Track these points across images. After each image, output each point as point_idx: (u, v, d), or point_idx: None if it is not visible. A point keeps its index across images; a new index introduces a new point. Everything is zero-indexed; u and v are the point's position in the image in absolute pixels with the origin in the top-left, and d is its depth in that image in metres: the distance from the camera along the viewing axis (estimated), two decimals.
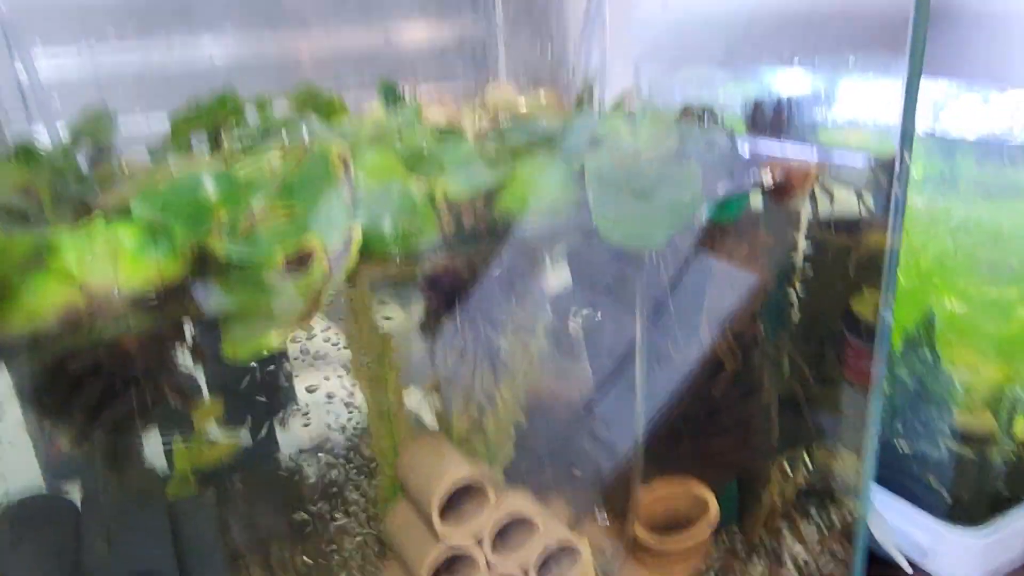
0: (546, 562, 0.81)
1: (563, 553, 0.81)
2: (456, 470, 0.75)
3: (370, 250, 0.56)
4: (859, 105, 0.94)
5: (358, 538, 0.86)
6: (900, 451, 1.15)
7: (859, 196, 0.96)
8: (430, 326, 0.80)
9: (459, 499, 0.77)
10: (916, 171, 1.10)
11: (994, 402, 1.11)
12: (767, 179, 0.77)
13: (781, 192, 0.78)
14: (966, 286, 1.09)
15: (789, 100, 0.97)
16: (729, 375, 0.89)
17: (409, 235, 0.60)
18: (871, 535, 1.02)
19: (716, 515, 0.95)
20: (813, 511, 1.03)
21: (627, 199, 0.65)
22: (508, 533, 0.80)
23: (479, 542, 0.76)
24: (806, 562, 0.99)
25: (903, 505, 1.13)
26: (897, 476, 1.16)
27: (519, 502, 0.78)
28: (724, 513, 1.03)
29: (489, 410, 0.94)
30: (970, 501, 1.09)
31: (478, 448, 0.92)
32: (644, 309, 0.87)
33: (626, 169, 0.66)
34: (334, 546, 0.87)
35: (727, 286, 0.87)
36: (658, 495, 0.98)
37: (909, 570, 1.10)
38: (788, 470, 1.03)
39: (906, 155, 0.81)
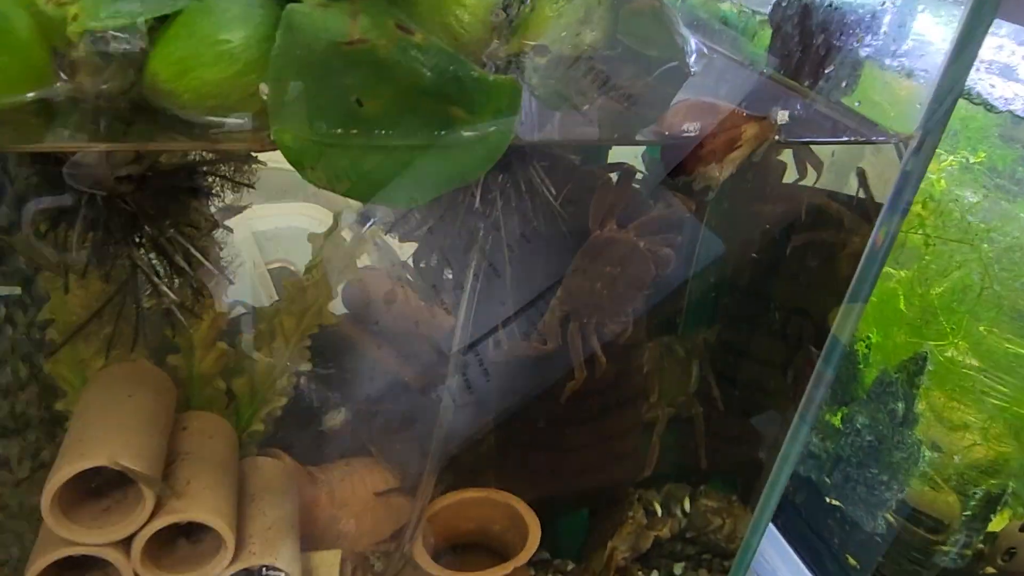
0: None
1: None
2: (90, 452, 0.50)
3: None
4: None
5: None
6: (826, 512, 0.88)
7: (861, 178, 0.63)
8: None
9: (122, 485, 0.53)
10: (962, 156, 0.76)
11: (966, 484, 0.82)
12: (687, 128, 0.45)
13: (698, 154, 0.47)
14: (984, 334, 0.77)
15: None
16: (578, 379, 0.61)
17: None
18: None
19: (533, 547, 0.70)
20: (678, 568, 0.78)
21: (355, 117, 0.35)
22: (203, 542, 0.57)
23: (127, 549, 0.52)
24: None
25: None
26: (812, 541, 0.89)
27: (201, 506, 0.54)
28: (563, 545, 0.78)
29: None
30: None
31: (222, 400, 0.67)
32: (477, 275, 0.58)
33: (380, 57, 0.35)
34: None
35: (599, 263, 0.57)
36: (469, 510, 0.73)
37: None
38: (656, 509, 0.76)
39: (934, 131, 0.48)
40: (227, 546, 0.55)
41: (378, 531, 0.76)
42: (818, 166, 0.60)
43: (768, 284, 0.75)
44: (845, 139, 0.55)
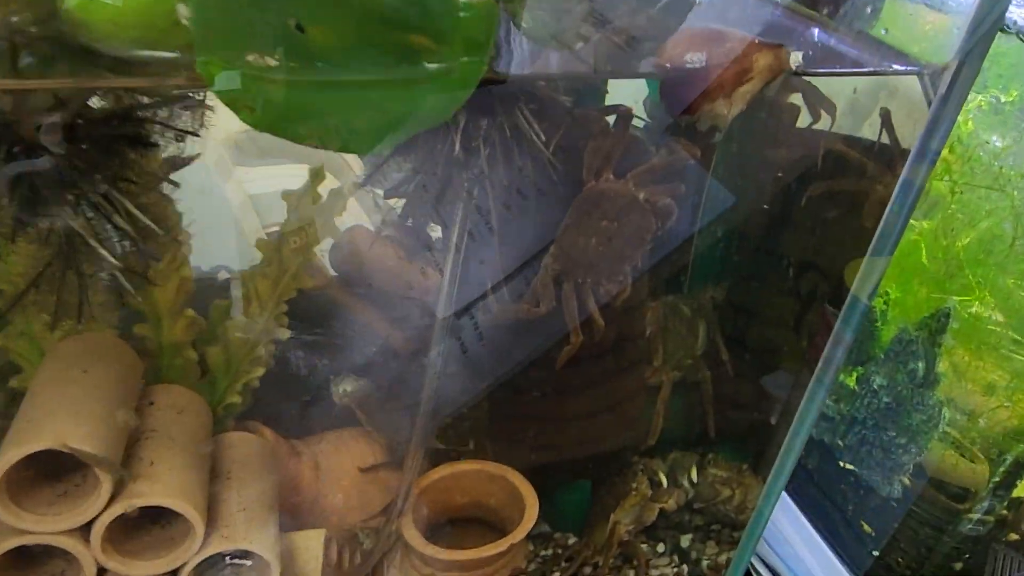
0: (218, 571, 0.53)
1: (244, 566, 0.54)
2: (37, 434, 0.46)
3: None
4: None
5: None
6: (840, 477, 0.83)
7: (885, 119, 0.57)
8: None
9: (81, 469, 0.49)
10: (991, 95, 0.70)
11: (991, 448, 0.77)
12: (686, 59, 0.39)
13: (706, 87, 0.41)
14: (1013, 288, 0.71)
15: None
16: (574, 344, 0.56)
17: None
18: None
19: (530, 522, 0.66)
20: (685, 540, 0.74)
21: (298, 47, 0.29)
22: (173, 526, 0.53)
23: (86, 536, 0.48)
24: None
25: (819, 544, 0.84)
26: (825, 507, 0.85)
27: (165, 489, 0.49)
28: (565, 518, 0.74)
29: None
30: (906, 566, 0.79)
31: (195, 371, 0.62)
32: (463, 233, 0.53)
33: None
34: None
35: (595, 217, 0.52)
36: (462, 483, 0.69)
37: None
38: (662, 479, 0.72)
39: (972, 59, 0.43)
40: (195, 531, 0.50)
41: (368, 506, 0.72)
42: (831, 109, 0.54)
43: (781, 238, 0.70)
44: (869, 70, 0.49)
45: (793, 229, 0.67)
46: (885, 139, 0.57)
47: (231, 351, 0.65)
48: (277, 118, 0.30)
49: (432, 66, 0.30)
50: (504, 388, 0.64)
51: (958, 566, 0.80)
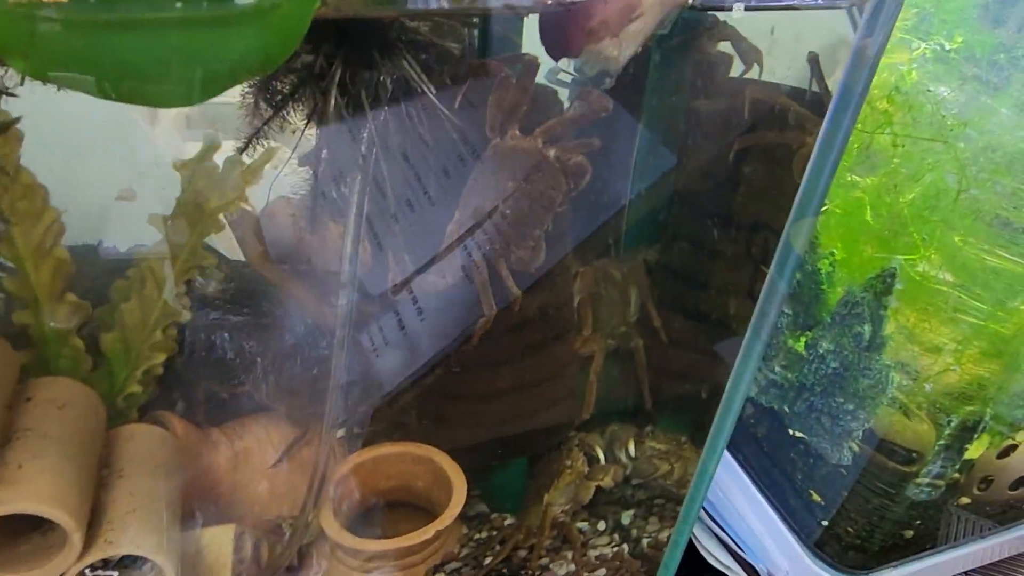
0: None
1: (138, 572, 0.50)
2: None
3: None
4: None
5: None
6: (790, 445, 0.81)
7: (813, 64, 0.54)
8: None
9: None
10: (936, 42, 0.66)
11: (941, 411, 0.75)
12: None
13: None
14: (960, 245, 0.68)
15: None
16: (488, 317, 0.52)
17: None
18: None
19: (457, 507, 0.62)
20: (627, 517, 0.71)
21: None
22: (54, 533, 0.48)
23: None
24: None
25: (769, 515, 0.81)
26: (775, 476, 0.83)
27: (33, 494, 0.45)
28: (502, 497, 0.71)
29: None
30: (855, 535, 0.77)
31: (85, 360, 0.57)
32: (361, 203, 0.48)
33: None
34: None
35: (500, 178, 0.47)
36: (386, 467, 0.65)
37: None
38: (599, 454, 0.69)
39: None
40: (71, 538, 0.46)
41: (295, 495, 0.68)
42: (754, 53, 0.50)
43: (713, 195, 0.66)
44: (787, 3, 0.44)
45: (724, 186, 0.63)
46: (816, 86, 0.53)
47: (129, 337, 0.60)
48: (59, 66, 0.25)
49: (244, 2, 0.26)
50: (424, 366, 0.60)
51: (908, 533, 0.78)
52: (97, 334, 0.60)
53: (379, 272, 0.56)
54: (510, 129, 0.47)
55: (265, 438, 0.69)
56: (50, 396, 0.53)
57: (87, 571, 0.47)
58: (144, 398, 0.62)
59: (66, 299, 0.55)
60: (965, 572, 0.86)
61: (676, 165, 0.63)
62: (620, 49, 0.36)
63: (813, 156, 0.42)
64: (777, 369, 0.84)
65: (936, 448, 0.71)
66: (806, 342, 0.82)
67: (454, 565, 0.65)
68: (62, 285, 0.54)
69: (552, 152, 0.48)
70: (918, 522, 0.78)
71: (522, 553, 0.66)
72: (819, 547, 0.78)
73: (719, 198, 0.67)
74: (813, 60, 0.51)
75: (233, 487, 0.66)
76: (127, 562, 0.50)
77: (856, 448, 0.77)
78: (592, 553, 0.67)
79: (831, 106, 0.41)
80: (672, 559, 0.62)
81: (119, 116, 0.54)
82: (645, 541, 0.67)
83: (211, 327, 0.68)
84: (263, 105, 0.48)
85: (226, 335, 0.69)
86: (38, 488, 0.45)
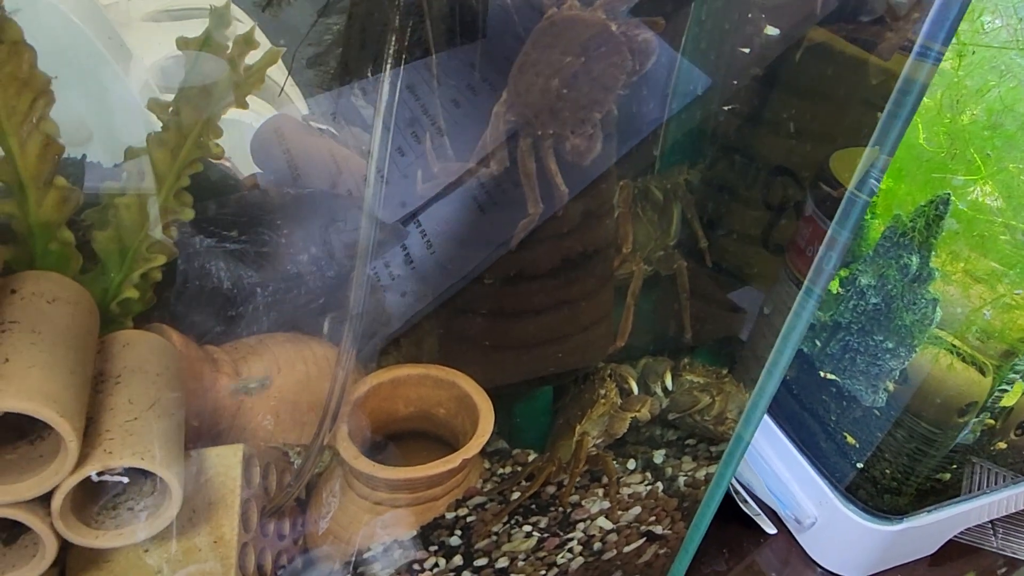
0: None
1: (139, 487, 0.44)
2: None
3: None
4: None
5: None
6: (821, 388, 0.77)
7: None
8: None
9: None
10: None
11: (987, 352, 0.71)
12: None
13: None
14: (1012, 174, 0.64)
15: None
16: (532, 215, 0.47)
17: None
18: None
19: (485, 434, 0.58)
20: (658, 456, 0.67)
21: None
22: (44, 442, 0.43)
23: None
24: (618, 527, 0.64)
25: (798, 457, 0.78)
26: (804, 419, 0.79)
27: (20, 391, 0.39)
28: (524, 432, 0.66)
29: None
30: (888, 480, 0.74)
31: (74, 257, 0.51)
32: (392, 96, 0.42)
33: None
34: None
35: (556, 52, 0.42)
36: (405, 391, 0.60)
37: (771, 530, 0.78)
38: (632, 386, 0.64)
39: None
40: (67, 444, 0.40)
41: (302, 423, 0.63)
42: None
43: (766, 110, 0.61)
44: None
45: (782, 97, 0.58)
46: None
47: (124, 236, 0.54)
48: None
49: None
50: (458, 275, 0.55)
51: (945, 476, 0.75)
52: (89, 235, 0.54)
53: (411, 175, 0.50)
54: None
55: (271, 359, 0.63)
56: (38, 289, 0.47)
57: (93, 475, 0.41)
58: (142, 306, 0.56)
59: (55, 184, 0.48)
60: (991, 520, 0.84)
61: (724, 73, 0.58)
62: None
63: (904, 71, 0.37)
64: None
65: (993, 390, 0.67)
66: (841, 279, 0.78)
67: (478, 500, 0.60)
68: (50, 167, 0.48)
69: (615, 25, 0.43)
70: (955, 466, 0.75)
71: (550, 489, 0.62)
72: (851, 491, 0.74)
73: (768, 115, 0.62)
74: None
75: (235, 411, 0.61)
76: (127, 476, 0.45)
77: (892, 388, 0.74)
78: (624, 491, 0.62)
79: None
80: (713, 498, 0.58)
81: None
82: (682, 479, 0.63)
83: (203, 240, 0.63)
84: None
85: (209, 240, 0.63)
86: (28, 384, 0.40)
